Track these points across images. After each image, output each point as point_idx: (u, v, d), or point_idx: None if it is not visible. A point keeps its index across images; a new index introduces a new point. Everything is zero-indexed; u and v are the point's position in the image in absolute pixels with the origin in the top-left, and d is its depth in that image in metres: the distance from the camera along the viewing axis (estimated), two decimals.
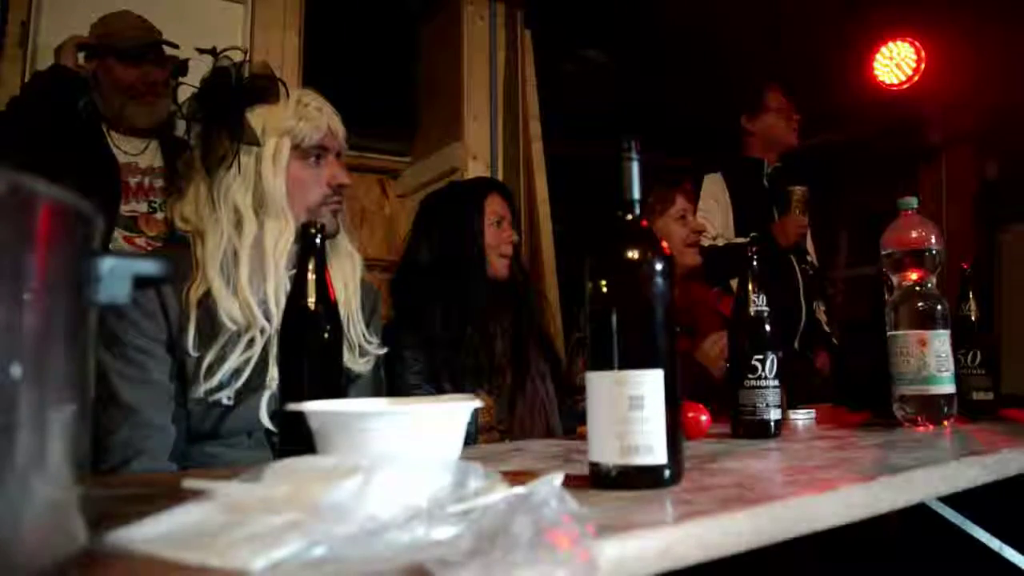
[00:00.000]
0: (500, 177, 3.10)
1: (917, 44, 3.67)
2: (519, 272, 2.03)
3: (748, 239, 1.39)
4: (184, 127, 1.37)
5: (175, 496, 0.60)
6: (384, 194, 3.52)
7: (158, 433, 1.24)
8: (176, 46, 2.21)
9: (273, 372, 1.26)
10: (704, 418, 1.26)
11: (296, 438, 0.78)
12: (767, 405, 1.27)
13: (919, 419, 1.35)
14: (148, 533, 0.54)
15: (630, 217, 0.84)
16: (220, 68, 1.33)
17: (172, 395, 1.26)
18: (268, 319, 1.27)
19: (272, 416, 1.25)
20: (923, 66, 3.65)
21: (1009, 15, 3.20)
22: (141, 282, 0.54)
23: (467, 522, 0.53)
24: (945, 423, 1.34)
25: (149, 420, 1.23)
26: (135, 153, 2.20)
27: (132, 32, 2.15)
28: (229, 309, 1.25)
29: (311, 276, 0.93)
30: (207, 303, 1.26)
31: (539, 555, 0.46)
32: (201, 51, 1.34)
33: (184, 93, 1.35)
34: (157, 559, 0.50)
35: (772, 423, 1.27)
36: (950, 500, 1.50)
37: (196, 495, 0.60)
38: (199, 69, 1.40)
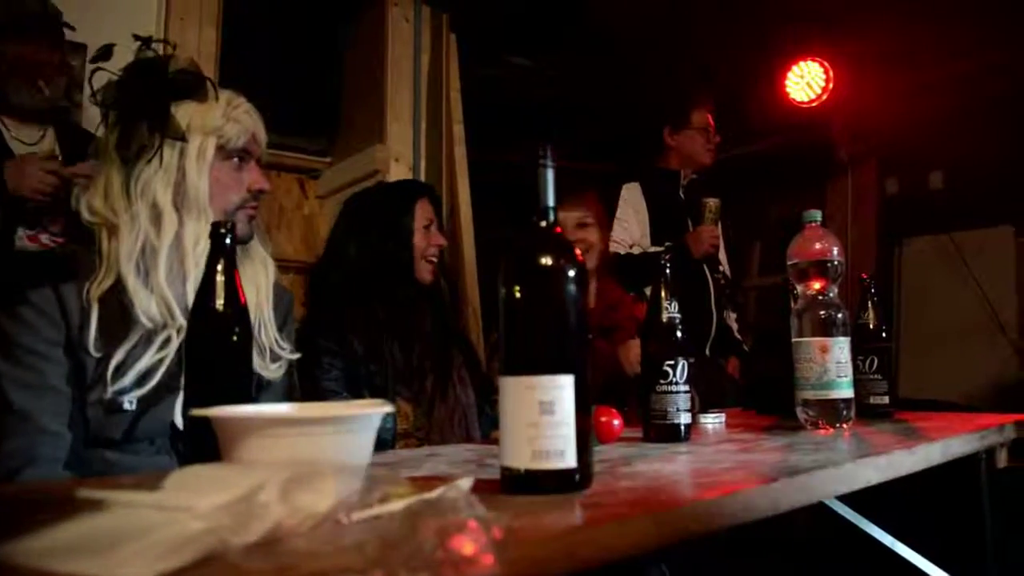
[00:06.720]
0: (422, 180, 3.08)
1: (826, 64, 3.83)
2: (442, 276, 2.02)
3: (663, 248, 1.43)
4: (100, 114, 1.31)
5: (69, 506, 0.58)
6: (303, 194, 3.45)
7: (52, 440, 1.18)
8: (72, 28, 2.12)
9: None
10: (616, 422, 1.28)
11: (201, 445, 0.76)
12: (678, 410, 1.30)
13: (820, 422, 1.41)
14: (36, 546, 0.52)
15: (544, 224, 0.85)
16: (146, 58, 1.28)
17: (69, 400, 1.21)
18: (186, 318, 1.23)
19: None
20: (831, 85, 3.82)
21: (910, 39, 3.40)
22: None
23: (373, 529, 0.53)
24: (844, 426, 1.40)
25: (43, 427, 1.17)
26: (31, 143, 2.09)
27: (26, 6, 2.05)
28: (146, 306, 1.21)
29: (219, 278, 0.90)
30: (114, 300, 1.21)
31: (441, 561, 0.46)
32: (110, 45, 1.28)
33: (100, 79, 1.29)
34: (45, 574, 0.48)
35: (682, 427, 1.31)
36: (848, 499, 1.57)
37: (92, 505, 0.58)
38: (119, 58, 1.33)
